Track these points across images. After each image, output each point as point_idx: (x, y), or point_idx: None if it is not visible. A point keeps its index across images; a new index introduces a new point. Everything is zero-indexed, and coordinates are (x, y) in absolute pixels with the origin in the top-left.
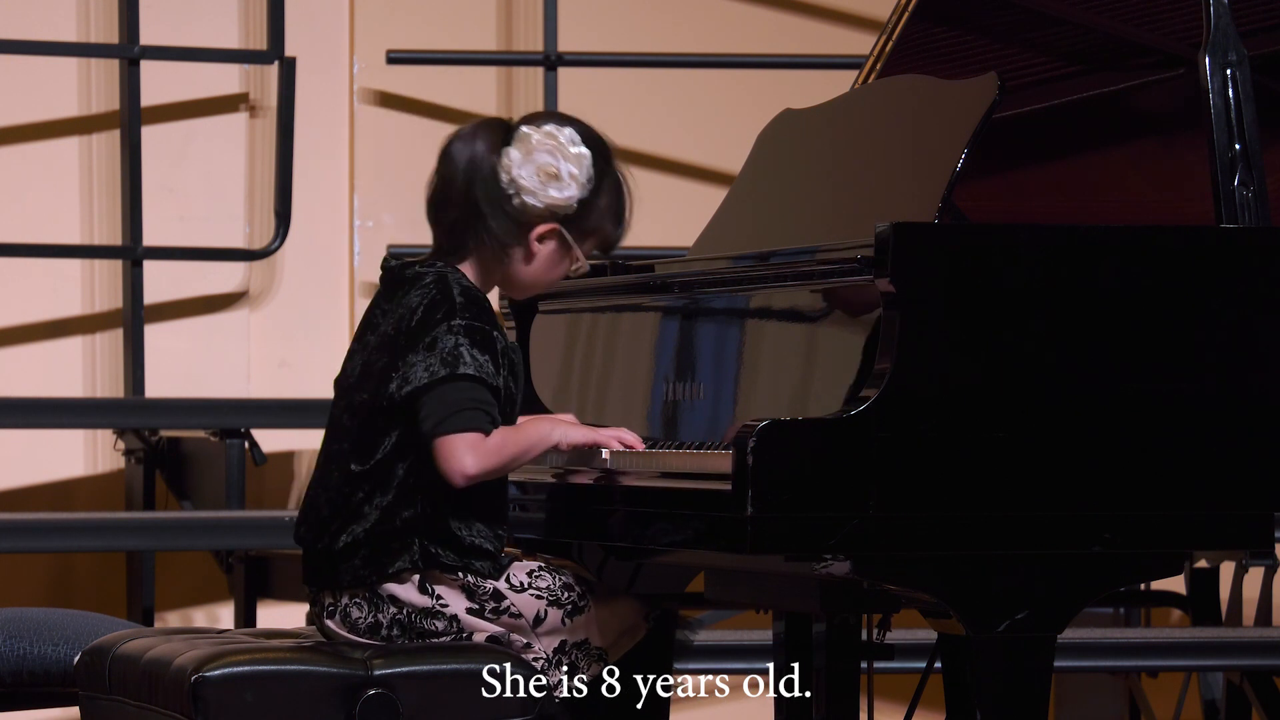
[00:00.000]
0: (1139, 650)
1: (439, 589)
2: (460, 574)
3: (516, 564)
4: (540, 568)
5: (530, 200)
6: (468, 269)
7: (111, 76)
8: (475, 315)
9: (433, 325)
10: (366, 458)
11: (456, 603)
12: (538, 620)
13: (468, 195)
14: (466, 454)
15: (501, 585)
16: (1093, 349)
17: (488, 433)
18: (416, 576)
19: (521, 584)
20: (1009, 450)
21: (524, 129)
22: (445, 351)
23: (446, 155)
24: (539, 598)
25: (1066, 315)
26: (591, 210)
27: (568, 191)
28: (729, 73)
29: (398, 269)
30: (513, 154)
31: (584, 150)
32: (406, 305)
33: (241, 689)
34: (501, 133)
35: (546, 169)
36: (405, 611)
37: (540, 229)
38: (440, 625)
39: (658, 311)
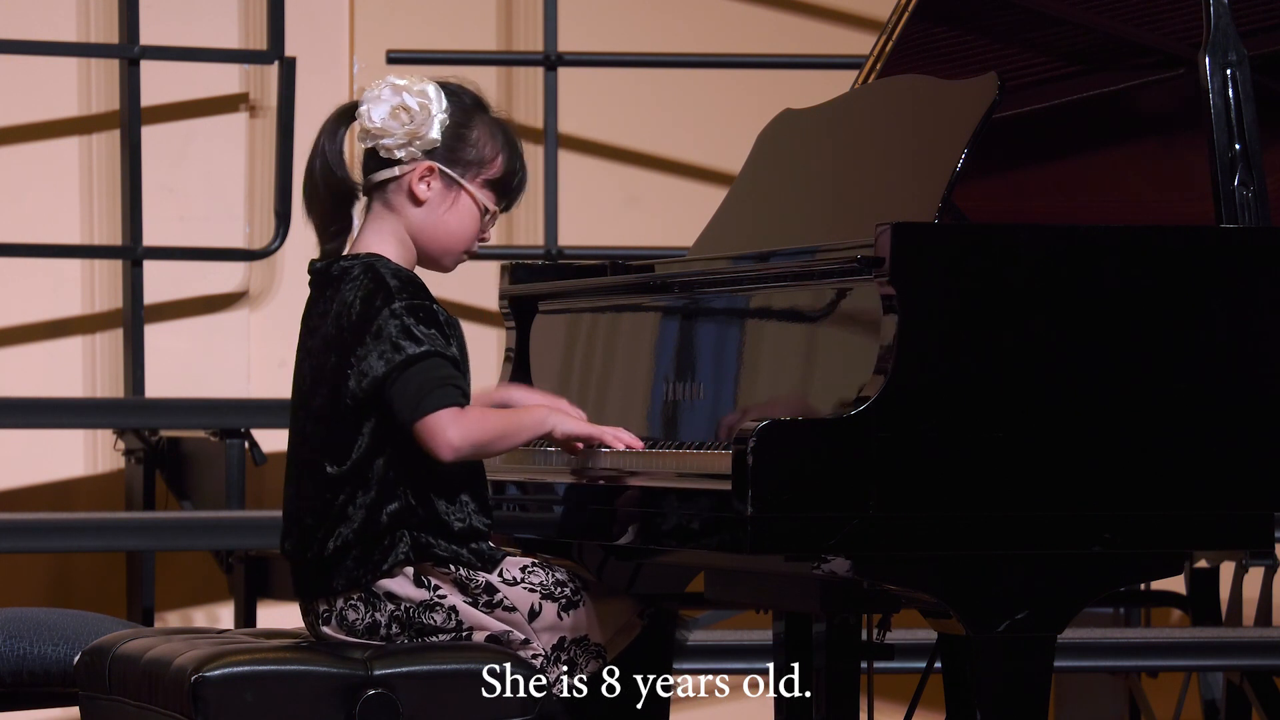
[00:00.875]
0: (1139, 650)
1: (434, 581)
2: (453, 567)
3: (510, 559)
4: (533, 563)
5: (389, 141)
6: (388, 251)
7: (111, 76)
8: (412, 294)
9: (374, 314)
10: (343, 458)
11: (453, 595)
12: (533, 614)
13: (331, 171)
14: (449, 427)
15: (494, 579)
16: (1093, 349)
17: (463, 405)
18: (410, 570)
19: (515, 578)
20: (1009, 450)
21: (369, 89)
22: (393, 336)
23: (317, 151)
24: (532, 591)
25: (1066, 315)
26: (463, 140)
27: (419, 120)
28: (729, 73)
29: (324, 268)
30: (363, 109)
31: (427, 85)
32: (341, 301)
33: (241, 689)
34: (348, 106)
35: (396, 106)
36: (403, 607)
37: (417, 169)
38: (439, 618)
39: (658, 311)
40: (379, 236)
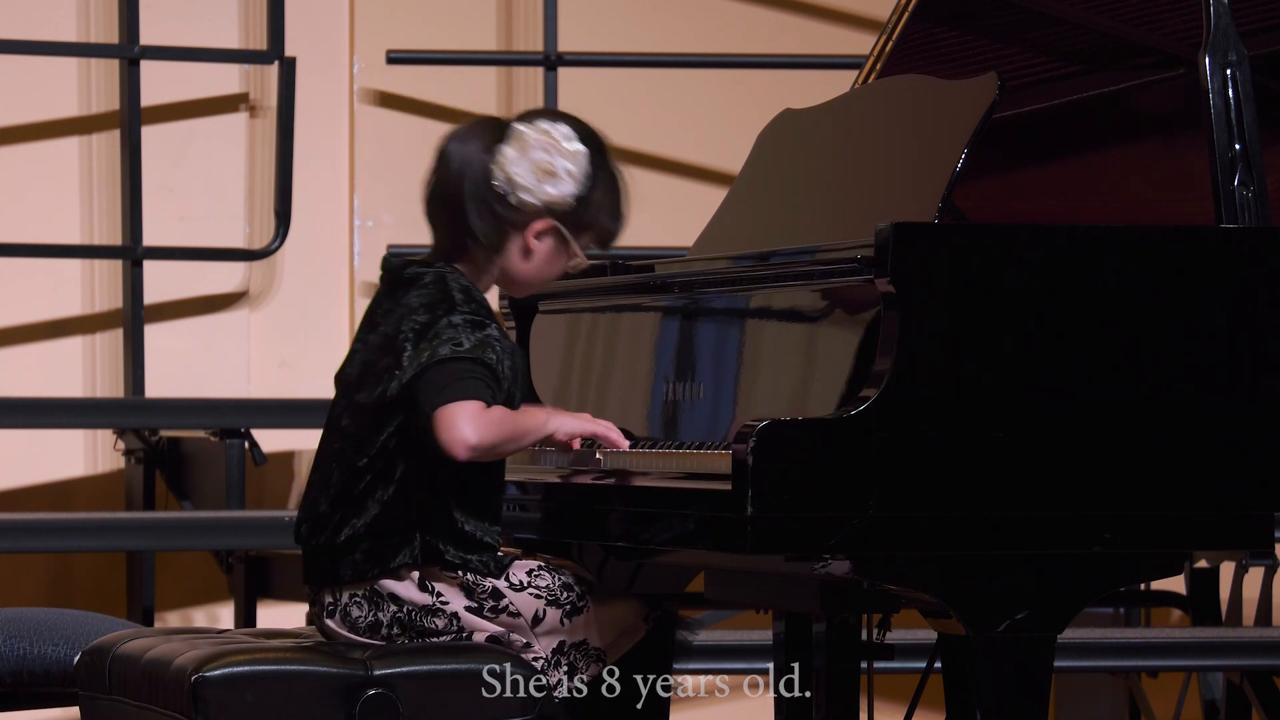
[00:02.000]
0: (1139, 650)
1: (439, 586)
2: (460, 572)
3: (517, 563)
4: (540, 567)
5: (526, 197)
6: (466, 268)
7: (111, 76)
8: (474, 311)
9: (434, 322)
10: (367, 451)
11: (456, 600)
12: (536, 620)
13: (462, 194)
14: (466, 423)
15: (500, 584)
16: (1093, 349)
17: (489, 403)
18: (416, 574)
19: (521, 583)
20: (1009, 450)
21: (519, 126)
22: (439, 338)
23: (442, 155)
24: (538, 597)
25: (1066, 315)
26: (588, 206)
27: (564, 188)
28: (729, 73)
29: (398, 268)
30: (508, 151)
31: (580, 146)
32: (406, 305)
33: (241, 689)
34: (496, 131)
35: (542, 165)
36: (405, 609)
37: (537, 226)
38: (440, 623)
39: (658, 311)
40: (464, 253)
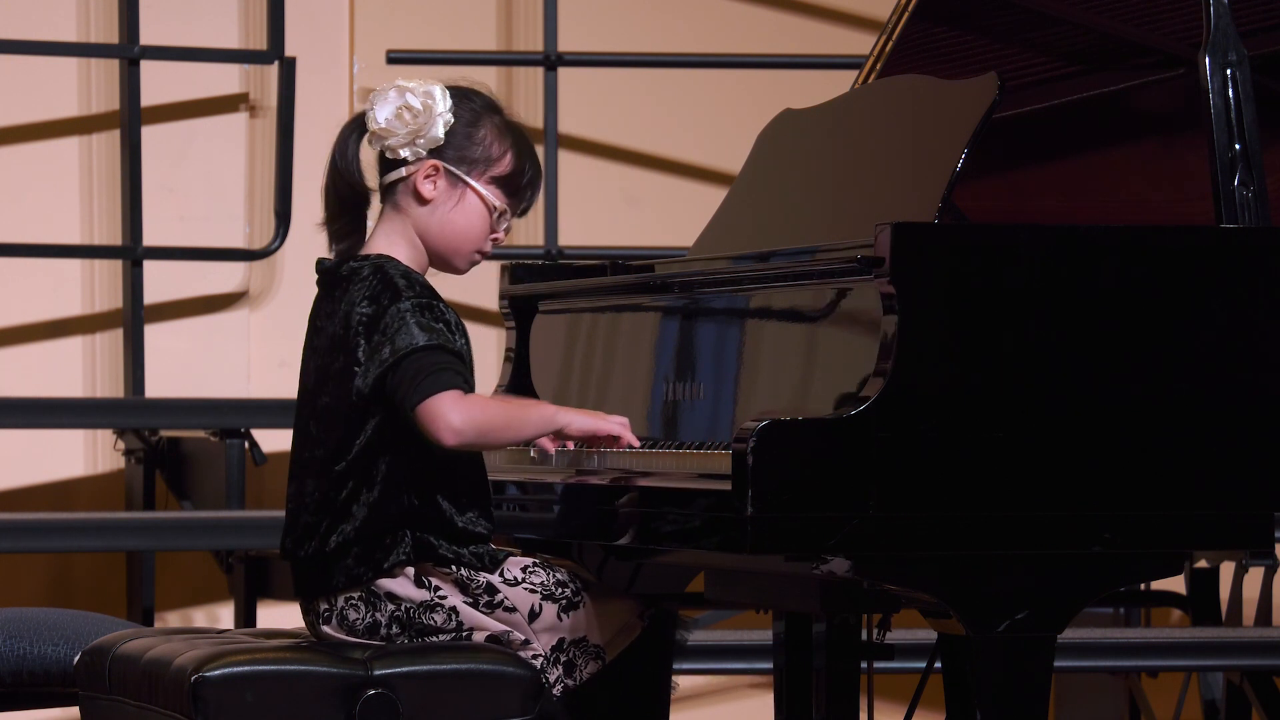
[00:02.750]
0: (1139, 650)
1: (435, 581)
2: (454, 567)
3: (511, 559)
4: (535, 563)
5: (394, 141)
6: (398, 253)
7: (111, 76)
8: (419, 294)
9: (381, 313)
10: (345, 456)
11: (454, 595)
12: (533, 614)
13: (343, 172)
14: (450, 410)
15: (495, 579)
16: (1093, 349)
17: (464, 390)
18: (411, 570)
19: (515, 578)
20: (1009, 450)
21: (376, 92)
22: (396, 331)
23: (332, 159)
24: (533, 592)
25: (1066, 315)
26: (467, 139)
27: (423, 120)
28: (729, 73)
29: (333, 268)
30: (370, 112)
31: (433, 86)
32: (349, 301)
33: (241, 689)
34: (359, 114)
35: (400, 107)
36: (403, 607)
37: (422, 168)
38: (439, 619)
39: (658, 311)
40: (389, 238)
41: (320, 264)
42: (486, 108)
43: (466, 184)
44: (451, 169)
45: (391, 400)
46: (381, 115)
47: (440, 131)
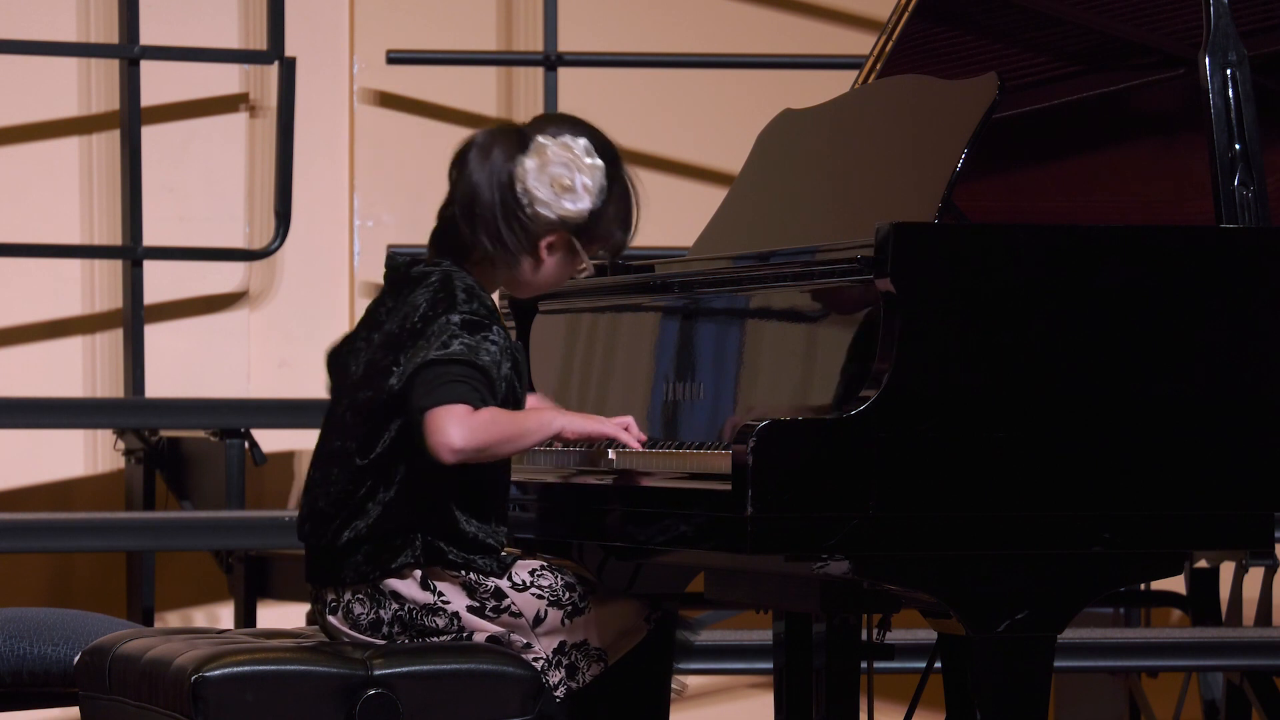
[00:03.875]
0: (1139, 650)
1: (440, 585)
2: (462, 571)
3: (519, 562)
4: (543, 567)
5: (543, 211)
6: (472, 268)
7: (111, 76)
8: (474, 310)
9: (434, 320)
10: (367, 452)
11: (458, 600)
12: (537, 620)
13: (480, 204)
14: (452, 426)
15: (503, 584)
16: (1092, 349)
17: (475, 406)
18: (419, 573)
19: (523, 582)
20: (1009, 450)
21: (540, 139)
22: (436, 337)
23: (462, 161)
24: (539, 597)
25: (1066, 315)
26: (601, 219)
27: (580, 203)
28: (729, 73)
29: (403, 267)
30: (528, 164)
31: (598, 161)
32: (411, 304)
33: (241, 689)
34: (517, 142)
35: (561, 181)
36: (406, 608)
37: (550, 238)
38: (441, 622)
39: (658, 311)
40: (471, 255)
41: (391, 260)
42: (619, 177)
43: (580, 255)
44: (576, 247)
45: (407, 402)
46: (539, 181)
47: (585, 215)
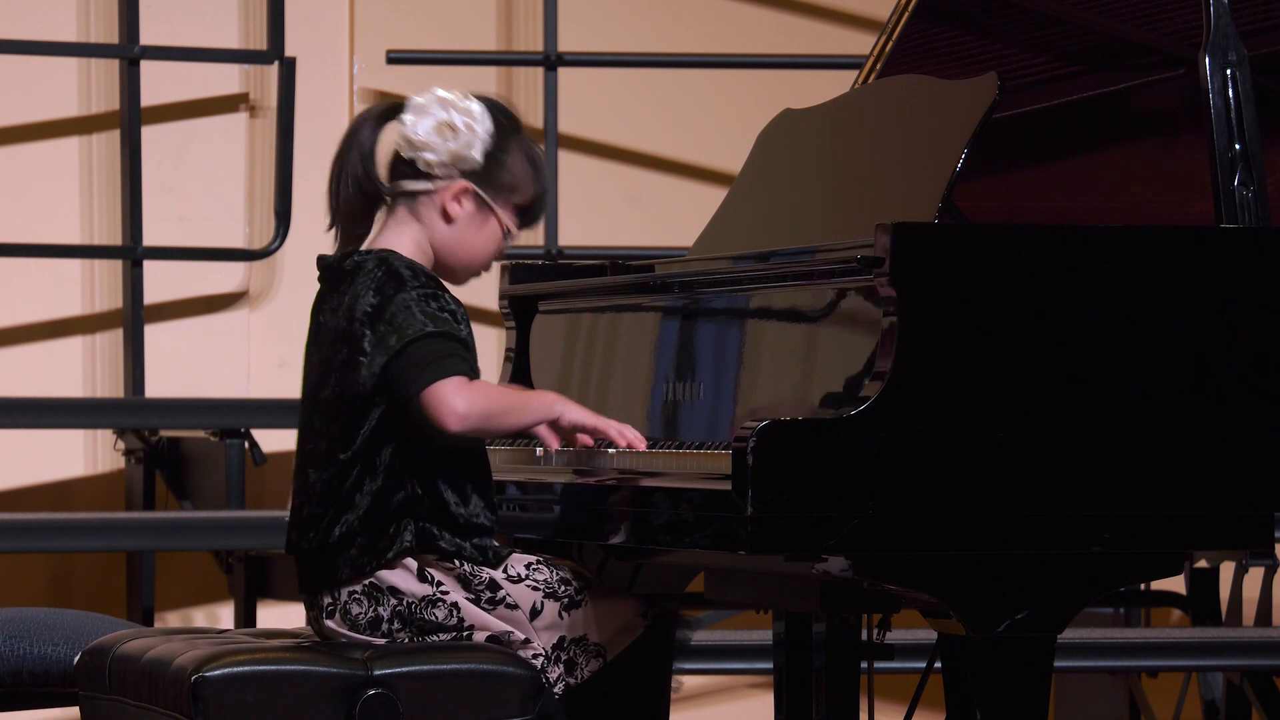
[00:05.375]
0: (1139, 650)
1: (438, 576)
2: (457, 562)
3: (515, 555)
4: (538, 561)
5: (430, 156)
6: (404, 251)
7: (111, 76)
8: (424, 284)
9: (387, 302)
10: (348, 445)
11: (456, 591)
12: (534, 612)
13: (367, 172)
14: (455, 395)
15: (498, 575)
16: (1092, 349)
17: (469, 376)
18: (414, 564)
19: (519, 575)
20: (1009, 450)
21: (414, 98)
22: (401, 320)
23: (345, 137)
24: (535, 589)
25: (1066, 315)
26: (501, 166)
27: (464, 140)
28: (729, 73)
29: (335, 262)
30: (407, 117)
31: (474, 104)
32: (354, 294)
33: (241, 689)
34: (392, 106)
35: (441, 121)
36: (405, 602)
37: (453, 188)
38: (441, 614)
39: (658, 311)
40: (399, 239)
41: (322, 260)
42: (515, 130)
43: (492, 210)
44: (481, 194)
45: (395, 386)
46: (421, 128)
47: (479, 155)
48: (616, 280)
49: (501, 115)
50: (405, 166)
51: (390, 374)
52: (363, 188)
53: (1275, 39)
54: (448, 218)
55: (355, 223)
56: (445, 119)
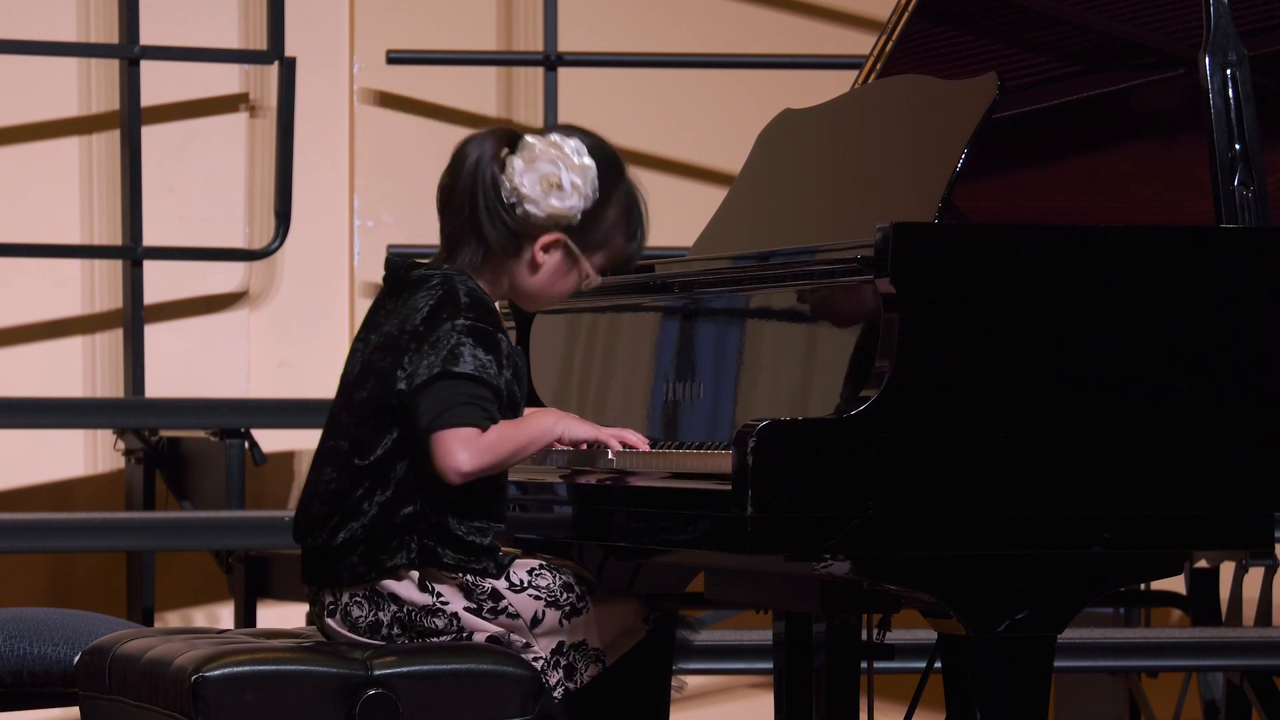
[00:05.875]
0: (1139, 650)
1: (439, 586)
2: (459, 574)
3: (517, 561)
4: (540, 566)
5: (532, 209)
6: (476, 275)
7: (111, 76)
8: (479, 317)
9: (437, 325)
10: (366, 454)
11: (456, 601)
12: (535, 621)
13: (470, 200)
14: (460, 450)
15: (500, 584)
16: (1092, 349)
17: (484, 429)
18: (416, 574)
19: (521, 582)
20: (1009, 450)
21: (529, 139)
22: (446, 349)
23: (457, 158)
24: (537, 598)
25: (1066, 315)
26: (598, 221)
27: (569, 201)
28: (729, 73)
29: (404, 270)
30: (515, 162)
31: (588, 161)
32: (411, 306)
33: (241, 689)
34: (508, 141)
35: (548, 178)
36: (406, 610)
37: (544, 239)
38: (440, 623)
39: (658, 311)
40: (473, 262)
41: (391, 263)
42: (619, 181)
43: (579, 261)
44: (573, 248)
45: (413, 416)
46: (528, 180)
47: (578, 215)
48: (616, 280)
49: (608, 168)
50: (501, 201)
51: (414, 402)
52: (479, 212)
53: (1275, 39)
54: (534, 265)
55: (462, 245)
56: (551, 174)
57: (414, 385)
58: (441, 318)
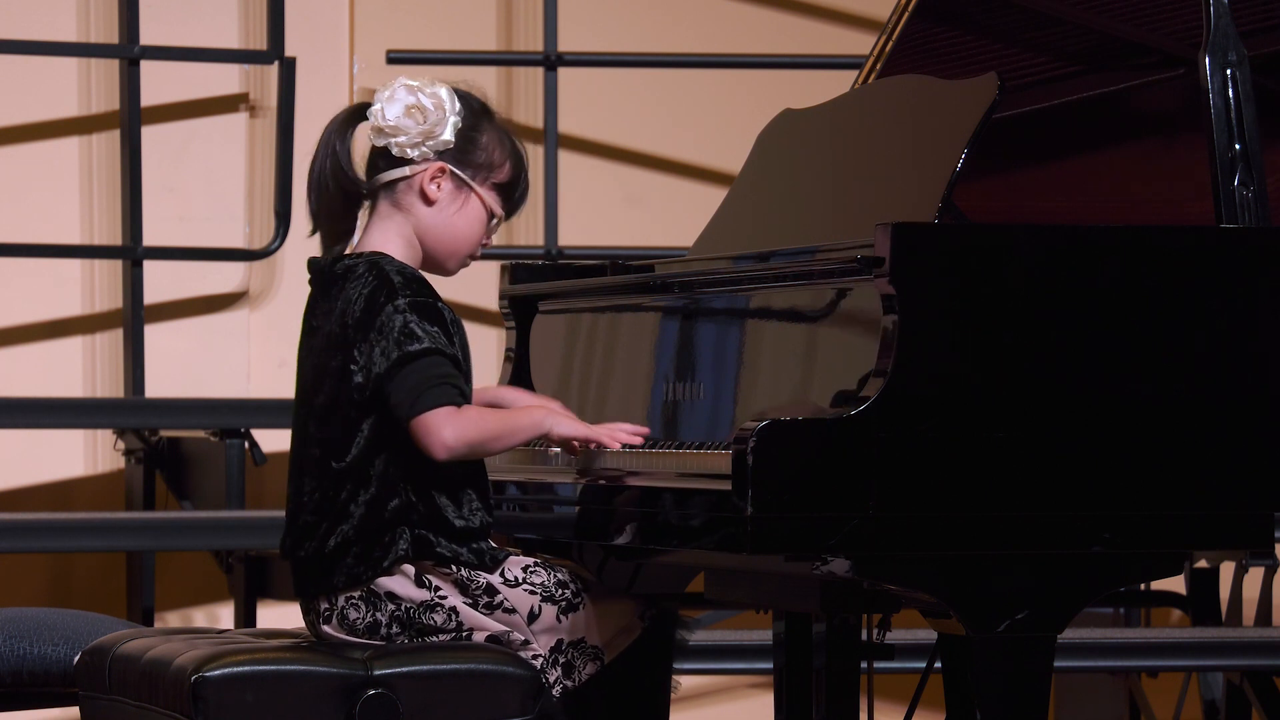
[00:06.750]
0: (1139, 650)
1: (435, 581)
2: (454, 567)
3: (512, 559)
4: (535, 563)
5: (403, 139)
6: (393, 250)
7: (111, 76)
8: (416, 292)
9: (378, 310)
10: (342, 455)
11: (454, 596)
12: (532, 616)
13: (333, 163)
14: (444, 426)
15: (495, 580)
16: (1092, 349)
17: (460, 404)
18: (411, 569)
19: (516, 579)
20: (1009, 450)
21: (382, 89)
22: (396, 331)
23: (319, 143)
24: (532, 593)
25: (1066, 315)
26: (473, 142)
27: (437, 121)
28: (729, 73)
29: (326, 266)
30: (375, 107)
31: (440, 86)
32: (346, 299)
33: (241, 689)
34: (362, 105)
35: (410, 106)
36: (403, 607)
37: (429, 170)
38: (439, 619)
39: (658, 311)
40: (384, 235)
41: (312, 263)
42: (486, 112)
43: (471, 189)
44: (458, 173)
45: (388, 406)
46: (391, 113)
47: (450, 134)
48: (616, 280)
49: (470, 98)
50: (380, 158)
51: (383, 393)
52: (342, 186)
53: (1275, 39)
54: (428, 200)
55: (337, 222)
56: (413, 102)
57: (374, 375)
58: (379, 302)
